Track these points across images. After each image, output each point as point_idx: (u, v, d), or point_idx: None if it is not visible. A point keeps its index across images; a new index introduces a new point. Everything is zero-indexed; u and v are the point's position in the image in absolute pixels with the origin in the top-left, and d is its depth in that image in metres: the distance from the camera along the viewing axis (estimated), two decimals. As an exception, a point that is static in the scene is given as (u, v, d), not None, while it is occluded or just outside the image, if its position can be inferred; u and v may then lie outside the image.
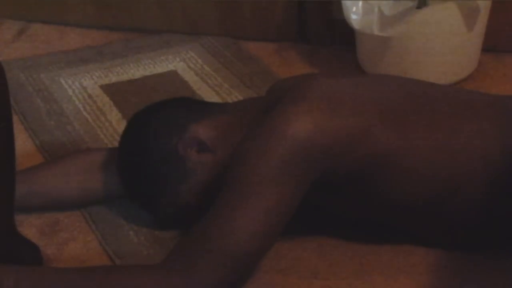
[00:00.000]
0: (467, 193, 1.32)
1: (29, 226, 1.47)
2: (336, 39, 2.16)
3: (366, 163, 1.30)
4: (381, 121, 1.30)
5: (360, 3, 1.87)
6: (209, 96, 1.92)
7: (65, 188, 1.49)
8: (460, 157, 1.32)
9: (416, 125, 1.32)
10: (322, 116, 1.28)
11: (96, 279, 1.22)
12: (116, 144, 1.71)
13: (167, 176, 1.38)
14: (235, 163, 1.28)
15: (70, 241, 1.45)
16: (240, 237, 1.22)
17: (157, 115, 1.42)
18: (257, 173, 1.25)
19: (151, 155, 1.39)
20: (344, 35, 2.07)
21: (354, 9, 1.88)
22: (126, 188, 1.45)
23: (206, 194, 1.35)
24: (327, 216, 1.43)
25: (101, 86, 1.96)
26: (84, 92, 1.94)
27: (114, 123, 1.81)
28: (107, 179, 1.49)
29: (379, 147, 1.30)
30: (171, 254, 1.26)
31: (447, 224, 1.36)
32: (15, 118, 1.45)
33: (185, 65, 2.07)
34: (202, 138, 1.36)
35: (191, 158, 1.36)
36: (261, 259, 1.29)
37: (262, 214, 1.24)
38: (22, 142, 1.71)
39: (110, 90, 1.95)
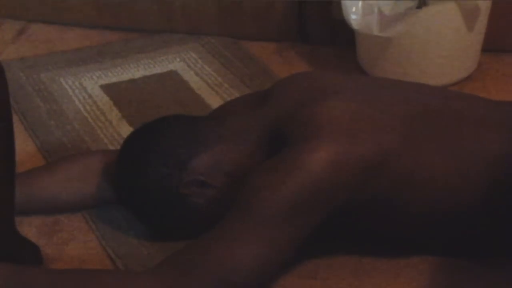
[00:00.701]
0: (474, 200, 1.31)
1: (29, 226, 1.46)
2: (336, 39, 2.16)
3: (381, 190, 1.28)
4: (397, 146, 1.28)
5: (360, 3, 1.87)
6: (209, 96, 1.92)
7: (65, 193, 1.49)
8: (465, 165, 1.31)
9: (427, 142, 1.31)
10: (338, 149, 1.25)
11: (82, 284, 1.20)
12: (116, 144, 1.71)
13: (173, 214, 1.38)
14: (247, 193, 1.25)
15: (70, 241, 1.45)
16: (237, 268, 1.20)
17: (154, 149, 1.38)
18: (268, 206, 1.22)
19: (153, 196, 1.38)
20: (344, 35, 2.07)
21: (354, 9, 1.88)
22: (133, 214, 1.45)
23: (210, 220, 1.31)
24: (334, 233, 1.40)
25: (101, 86, 1.96)
26: (84, 92, 1.94)
27: (114, 123, 1.81)
28: (106, 184, 1.49)
29: (395, 173, 1.28)
30: (163, 264, 1.23)
31: (453, 233, 1.35)
32: (15, 118, 1.44)
33: (185, 65, 2.07)
34: (202, 177, 1.35)
35: (195, 195, 1.36)
36: None
37: (265, 250, 1.21)
38: (22, 142, 1.71)
39: (110, 90, 1.95)
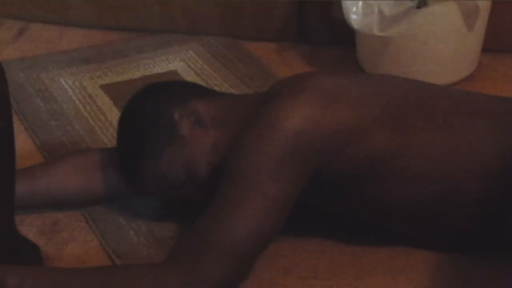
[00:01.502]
0: (465, 195, 1.32)
1: (29, 226, 1.47)
2: (336, 39, 2.17)
3: (361, 163, 1.30)
4: (379, 121, 1.31)
5: (360, 3, 1.87)
6: (209, 96, 1.92)
7: (67, 188, 1.49)
8: (457, 159, 1.31)
9: (414, 127, 1.32)
10: (318, 110, 1.29)
11: (100, 279, 1.22)
12: (115, 144, 1.71)
13: (155, 136, 1.39)
14: (234, 158, 1.29)
15: (70, 241, 1.45)
16: (240, 235, 1.23)
17: (164, 87, 1.46)
18: (256, 168, 1.26)
19: (145, 114, 1.41)
20: (344, 35, 2.07)
21: (354, 9, 1.88)
22: (117, 151, 1.46)
23: (186, 171, 1.36)
24: (325, 217, 1.43)
25: (101, 86, 1.96)
26: (84, 92, 1.94)
27: (114, 123, 1.80)
28: (109, 178, 1.49)
29: (375, 147, 1.30)
30: (173, 251, 1.26)
31: (446, 226, 1.36)
32: (15, 118, 1.44)
33: (185, 65, 2.07)
34: (200, 113, 1.38)
35: (184, 126, 1.38)
36: (261, 254, 1.29)
37: (262, 211, 1.24)
38: (22, 142, 1.71)
39: (110, 90, 1.95)
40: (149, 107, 1.41)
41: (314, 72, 1.50)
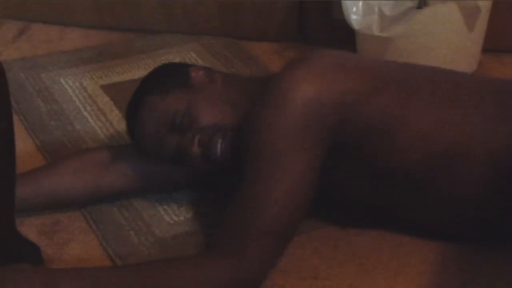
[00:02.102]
0: (464, 170, 1.33)
1: (29, 226, 1.47)
2: (336, 39, 2.16)
3: (367, 126, 1.33)
4: (383, 89, 1.34)
5: (360, 3, 1.87)
6: (210, 96, 1.92)
7: (72, 187, 1.49)
8: (458, 132, 1.33)
9: (417, 97, 1.35)
10: (326, 76, 1.33)
11: (148, 277, 1.23)
12: (116, 143, 1.71)
13: (168, 80, 1.44)
14: (253, 137, 1.30)
15: (70, 241, 1.45)
16: (275, 212, 1.25)
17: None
18: (278, 143, 1.28)
19: (165, 68, 1.52)
20: (344, 35, 2.07)
21: (354, 9, 1.88)
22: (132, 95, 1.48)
23: (187, 114, 1.38)
24: (331, 204, 1.44)
25: (102, 86, 1.96)
26: (85, 92, 1.94)
27: (115, 123, 1.81)
28: (114, 176, 1.49)
29: (379, 111, 1.32)
30: (215, 242, 1.28)
31: (447, 204, 1.36)
32: (15, 118, 1.44)
33: (185, 65, 2.07)
34: (215, 74, 1.45)
35: (196, 78, 1.43)
36: (299, 227, 1.31)
37: (292, 184, 1.26)
38: (23, 142, 1.71)
39: (111, 90, 1.95)
40: (171, 65, 1.57)
41: (316, 49, 1.50)
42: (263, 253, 1.25)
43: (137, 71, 2.04)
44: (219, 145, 1.38)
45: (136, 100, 1.45)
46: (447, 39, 1.90)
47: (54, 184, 1.48)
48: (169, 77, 1.46)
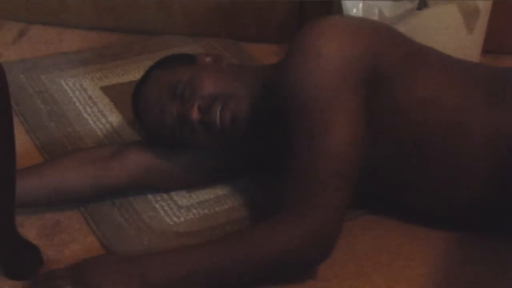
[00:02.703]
0: (464, 149, 1.34)
1: (29, 227, 1.47)
2: (336, 40, 2.16)
3: (387, 76, 1.35)
4: (396, 47, 1.37)
5: (361, 4, 1.87)
6: (210, 97, 1.92)
7: (76, 178, 1.48)
8: (459, 105, 1.35)
9: (425, 61, 1.39)
10: (348, 29, 1.35)
11: (234, 249, 1.26)
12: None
13: (175, 60, 1.51)
14: (294, 90, 1.31)
15: (70, 242, 1.45)
16: (339, 152, 1.27)
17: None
18: (323, 87, 1.29)
19: (171, 55, 1.57)
20: (344, 37, 2.07)
21: (354, 10, 1.88)
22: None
23: (190, 86, 1.41)
24: None
25: (102, 88, 1.96)
26: (85, 94, 1.94)
27: (115, 125, 1.81)
28: (118, 170, 1.49)
29: (394, 65, 1.35)
30: (286, 203, 1.28)
31: (447, 180, 1.38)
32: (15, 120, 1.44)
33: (185, 67, 2.07)
34: (221, 58, 1.50)
35: (202, 59, 1.49)
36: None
37: (348, 122, 1.29)
38: (23, 144, 1.71)
39: (111, 91, 1.95)
40: (179, 53, 1.62)
41: None
42: (337, 197, 1.27)
43: (137, 72, 2.04)
44: (218, 112, 1.39)
45: (142, 77, 1.51)
46: (447, 40, 1.89)
47: (58, 176, 1.48)
48: (176, 58, 1.53)
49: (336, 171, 1.27)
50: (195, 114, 1.40)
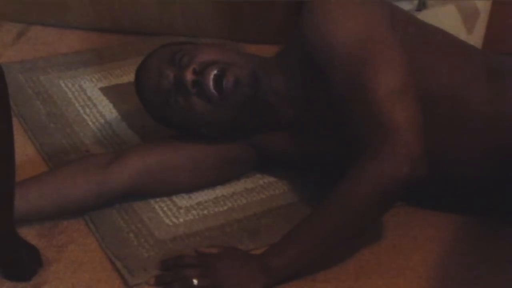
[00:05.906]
0: (472, 120, 1.37)
1: (28, 229, 1.46)
2: (335, 41, 2.16)
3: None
4: (397, 22, 1.40)
5: (360, 5, 1.87)
6: (209, 98, 1.92)
7: (76, 188, 1.46)
8: (463, 78, 1.39)
9: (432, 41, 1.44)
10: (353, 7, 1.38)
11: (335, 208, 1.29)
12: (116, 147, 1.71)
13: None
14: (326, 38, 1.35)
15: (69, 243, 1.45)
16: (394, 73, 1.31)
17: None
18: (360, 28, 1.34)
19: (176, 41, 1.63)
20: (343, 37, 2.07)
21: (353, 11, 1.88)
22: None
23: (192, 56, 1.44)
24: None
25: (101, 89, 1.96)
26: (84, 95, 1.94)
27: (114, 126, 1.81)
28: (118, 179, 1.48)
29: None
30: (364, 147, 1.29)
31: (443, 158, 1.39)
32: (14, 121, 1.44)
33: (184, 68, 2.07)
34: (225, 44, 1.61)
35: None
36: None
37: (393, 49, 1.33)
38: (22, 145, 1.71)
39: (110, 92, 1.95)
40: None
41: None
42: (407, 116, 1.28)
43: (136, 73, 2.04)
44: (212, 75, 1.41)
45: (147, 55, 1.56)
46: (446, 41, 1.90)
47: (59, 184, 1.45)
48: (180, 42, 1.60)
49: (395, 92, 1.29)
50: (189, 75, 1.42)
